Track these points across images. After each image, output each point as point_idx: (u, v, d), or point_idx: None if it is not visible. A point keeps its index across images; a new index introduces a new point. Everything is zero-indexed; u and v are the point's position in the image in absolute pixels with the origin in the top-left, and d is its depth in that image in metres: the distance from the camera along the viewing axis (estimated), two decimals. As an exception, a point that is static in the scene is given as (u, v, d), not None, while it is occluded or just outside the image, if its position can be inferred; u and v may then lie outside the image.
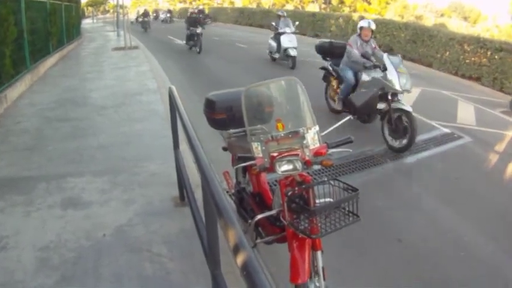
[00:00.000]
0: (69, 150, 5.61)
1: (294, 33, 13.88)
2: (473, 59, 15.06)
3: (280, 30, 13.71)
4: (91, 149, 5.63)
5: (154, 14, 44.77)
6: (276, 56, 14.16)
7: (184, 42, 18.61)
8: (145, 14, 31.65)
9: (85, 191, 4.43)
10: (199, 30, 17.03)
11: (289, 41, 13.32)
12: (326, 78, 8.47)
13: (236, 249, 1.39)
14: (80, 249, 3.39)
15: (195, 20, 17.75)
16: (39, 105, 8.00)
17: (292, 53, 13.09)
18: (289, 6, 44.31)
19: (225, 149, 3.55)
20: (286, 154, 2.39)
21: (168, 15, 41.82)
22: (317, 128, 2.45)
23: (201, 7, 36.52)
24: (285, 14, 15.17)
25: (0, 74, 7.89)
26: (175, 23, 38.21)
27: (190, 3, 59.63)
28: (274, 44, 14.26)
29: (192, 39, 17.47)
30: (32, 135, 6.24)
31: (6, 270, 3.12)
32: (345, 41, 8.25)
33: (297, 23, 15.00)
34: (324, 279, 2.50)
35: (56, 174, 4.82)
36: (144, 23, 30.37)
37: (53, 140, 5.99)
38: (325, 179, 2.46)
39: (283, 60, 13.83)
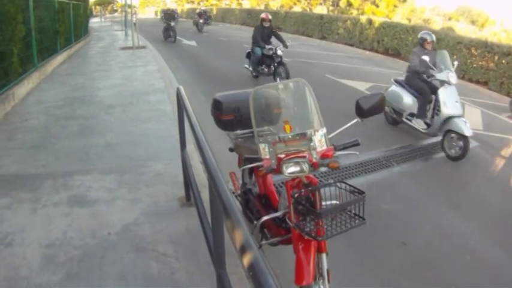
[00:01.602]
0: (76, 148, 5.63)
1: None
2: (480, 63, 15.00)
3: (440, 77, 6.88)
4: (98, 148, 5.65)
5: (162, 14, 43.27)
6: (423, 127, 7.22)
7: (249, 66, 11.76)
8: (171, 15, 22.23)
9: (91, 189, 4.44)
10: (280, 50, 10.69)
11: (455, 101, 6.76)
12: None
13: (243, 250, 1.39)
14: (85, 247, 3.40)
15: (270, 31, 11.41)
16: (47, 103, 8.04)
17: (467, 131, 6.27)
18: (297, 8, 44.32)
19: (231, 150, 3.56)
20: (293, 156, 2.39)
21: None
22: (324, 130, 2.45)
23: (203, 8, 33.95)
24: (434, 39, 7.66)
25: (8, 71, 7.94)
26: (181, 24, 37.93)
27: (198, 3, 59.69)
28: (410, 97, 7.39)
29: (267, 63, 11.08)
30: (39, 132, 6.27)
31: (11, 266, 3.13)
32: None
33: (456, 62, 7.17)
34: (329, 281, 2.49)
35: (63, 172, 4.84)
36: (168, 29, 21.49)
37: (60, 138, 6.02)
38: (332, 181, 2.46)
39: (434, 135, 7.17)
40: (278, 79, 10.42)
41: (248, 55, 11.75)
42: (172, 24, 21.38)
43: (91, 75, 11.28)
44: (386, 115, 8.05)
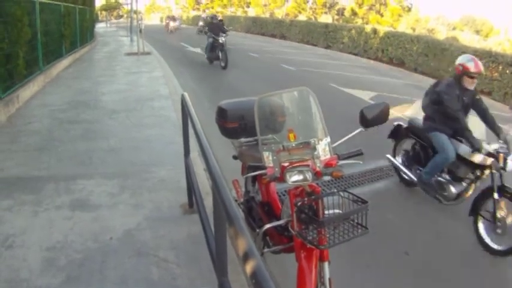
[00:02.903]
0: (79, 152, 5.64)
1: None
2: (484, 73, 14.99)
3: None
4: (101, 152, 5.66)
5: (167, 21, 42.46)
6: None
7: (403, 166, 5.52)
8: (218, 26, 15.27)
9: (94, 193, 4.44)
10: None
11: None
12: None
13: (245, 257, 1.38)
14: (86, 251, 3.40)
15: (472, 98, 5.03)
16: (51, 107, 8.07)
17: None
18: (302, 17, 44.47)
19: (235, 157, 3.55)
20: (297, 164, 2.39)
21: (172, 23, 35.88)
22: (328, 139, 2.45)
23: (203, 15, 30.62)
24: None
25: (13, 74, 7.97)
26: (182, 30, 37.76)
27: (204, 10, 59.94)
28: None
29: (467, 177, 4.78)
30: (43, 136, 6.28)
31: (12, 269, 3.14)
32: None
33: None
34: (331, 290, 2.48)
35: (65, 176, 4.85)
36: (215, 47, 14.55)
37: (63, 142, 6.03)
38: (335, 190, 2.46)
39: None
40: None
41: (395, 133, 5.75)
42: (221, 40, 14.24)
43: (96, 80, 11.32)
44: None
